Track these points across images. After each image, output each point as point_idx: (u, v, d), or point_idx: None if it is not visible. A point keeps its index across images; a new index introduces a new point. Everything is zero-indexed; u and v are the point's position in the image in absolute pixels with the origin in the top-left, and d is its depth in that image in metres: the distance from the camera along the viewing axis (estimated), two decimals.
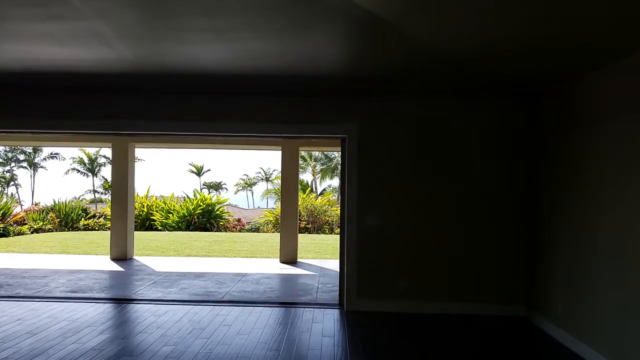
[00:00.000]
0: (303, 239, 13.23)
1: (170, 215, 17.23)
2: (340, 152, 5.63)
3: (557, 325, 4.48)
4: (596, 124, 3.92)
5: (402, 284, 5.34)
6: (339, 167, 5.70)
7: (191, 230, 16.38)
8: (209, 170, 55.15)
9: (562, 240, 4.45)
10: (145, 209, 17.80)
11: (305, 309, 5.49)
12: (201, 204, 17.37)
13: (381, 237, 5.36)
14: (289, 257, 8.90)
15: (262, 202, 42.86)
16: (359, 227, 5.37)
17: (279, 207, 9.58)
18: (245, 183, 51.60)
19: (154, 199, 19.21)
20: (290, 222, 8.90)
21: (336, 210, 17.16)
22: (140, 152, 40.81)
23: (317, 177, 33.88)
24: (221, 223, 17.62)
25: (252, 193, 52.07)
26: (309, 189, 24.15)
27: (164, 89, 5.05)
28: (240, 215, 22.32)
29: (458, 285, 5.34)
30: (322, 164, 32.24)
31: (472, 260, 5.34)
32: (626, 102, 3.53)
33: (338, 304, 5.64)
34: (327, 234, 16.43)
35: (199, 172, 48.48)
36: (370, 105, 5.35)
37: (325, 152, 32.00)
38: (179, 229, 16.68)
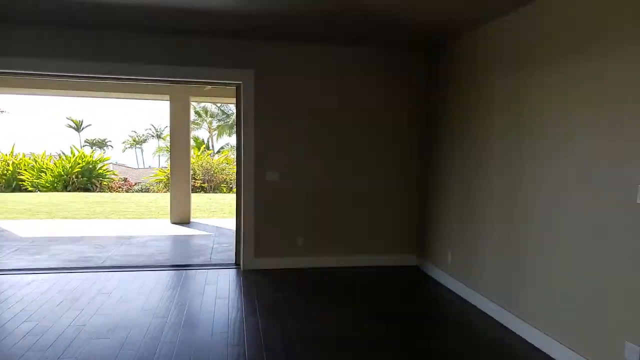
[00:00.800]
0: (198, 198, 12.68)
1: (43, 174, 15.48)
2: (235, 103, 5.24)
3: (447, 272, 4.70)
4: (480, 77, 4.01)
5: (300, 240, 5.25)
6: None
7: (69, 191, 14.90)
8: (89, 125, 50.67)
9: (452, 191, 4.61)
10: (10, 168, 15.78)
11: (199, 270, 5.19)
12: (80, 161, 15.83)
13: (279, 193, 5.17)
14: (182, 217, 8.41)
15: (154, 160, 40.56)
16: (257, 183, 5.11)
17: None
18: (134, 140, 48.24)
19: (21, 156, 17.09)
20: (182, 180, 8.36)
21: (234, 168, 16.67)
22: None
23: (213, 134, 32.60)
24: (105, 183, 16.28)
25: (142, 151, 48.99)
26: (204, 146, 23.17)
27: (15, 17, 4.20)
28: (129, 175, 20.84)
29: (355, 238, 5.38)
30: (219, 120, 31.01)
31: (369, 213, 5.39)
32: (501, 58, 3.62)
33: (234, 264, 5.41)
34: (224, 193, 15.95)
35: (78, 127, 44.21)
36: (269, 50, 4.99)
37: (222, 108, 30.76)
38: (55, 189, 15.08)
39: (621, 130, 2.63)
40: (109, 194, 14.83)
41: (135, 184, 18.20)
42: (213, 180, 16.47)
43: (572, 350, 2.97)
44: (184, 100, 8.08)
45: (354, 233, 5.37)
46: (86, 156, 16.39)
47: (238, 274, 5.07)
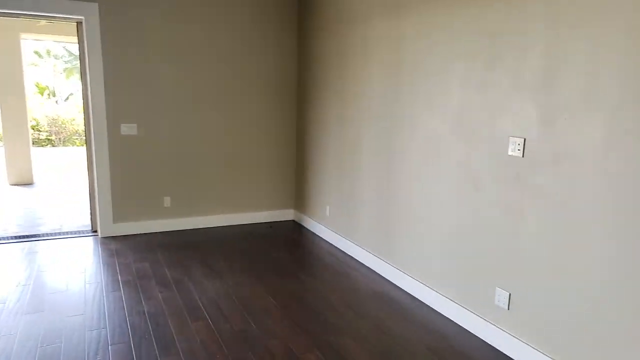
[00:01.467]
0: (44, 153, 11.13)
1: None
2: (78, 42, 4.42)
3: (326, 225, 4.69)
4: (359, 23, 3.87)
5: (167, 200, 4.80)
6: None
7: None
8: None
9: (330, 145, 4.52)
10: None
11: (47, 241, 4.49)
12: None
13: (139, 149, 4.61)
14: (21, 177, 7.25)
15: None
16: (110, 137, 4.48)
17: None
18: None
19: None
20: (19, 133, 7.13)
21: None
22: None
23: (59, 78, 28.66)
24: None
25: None
26: (48, 91, 20.34)
27: None
28: None
29: (230, 196, 5.10)
30: (66, 62, 27.28)
31: (245, 169, 5.12)
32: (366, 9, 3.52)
33: (91, 231, 4.79)
34: (78, 146, 14.25)
35: None
36: None
37: (69, 48, 27.01)
38: None
39: (494, 84, 2.68)
40: None
41: None
42: (62, 133, 14.59)
43: (448, 298, 3.12)
44: (12, 37, 6.74)
45: (228, 190, 5.07)
46: None
47: (95, 242, 4.50)
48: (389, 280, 3.72)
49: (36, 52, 22.66)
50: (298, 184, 5.32)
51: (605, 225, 2.12)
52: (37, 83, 20.42)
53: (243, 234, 4.88)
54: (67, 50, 27.71)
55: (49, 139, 14.25)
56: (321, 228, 4.79)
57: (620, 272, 2.06)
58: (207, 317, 3.07)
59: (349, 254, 4.28)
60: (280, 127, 5.21)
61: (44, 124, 14.22)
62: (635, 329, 2.02)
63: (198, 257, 4.17)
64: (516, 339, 2.59)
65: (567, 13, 2.24)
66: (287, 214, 5.43)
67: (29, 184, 7.26)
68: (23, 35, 6.85)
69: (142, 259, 4.09)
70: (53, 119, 14.57)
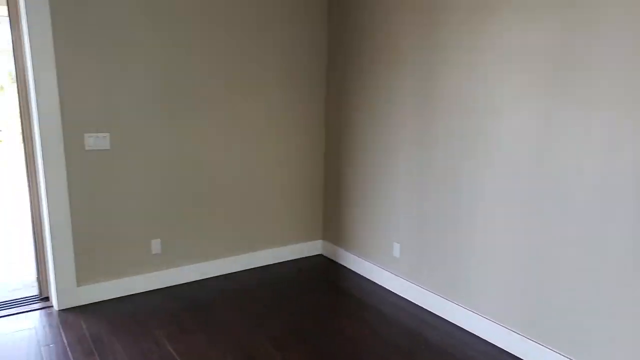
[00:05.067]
0: None
1: None
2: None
3: (394, 272, 3.36)
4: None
5: (156, 244, 3.33)
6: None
7: None
8: None
9: (400, 159, 3.21)
10: None
11: None
12: None
13: (113, 170, 3.11)
14: None
15: None
16: (69, 153, 2.95)
17: None
18: None
19: None
20: None
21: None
22: None
23: None
24: None
25: None
26: None
27: None
28: None
29: (241, 233, 3.70)
30: None
31: (260, 195, 3.74)
32: None
33: (38, 299, 3.24)
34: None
35: None
36: None
37: None
38: None
39: None
40: None
41: None
42: None
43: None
44: None
45: (240, 226, 3.68)
46: None
47: (50, 319, 2.96)
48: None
49: None
50: (330, 209, 3.97)
51: None
52: None
53: (262, 277, 3.56)
54: None
55: None
56: (383, 274, 3.45)
57: None
58: None
59: (457, 323, 2.93)
60: (307, 138, 3.89)
61: None
62: None
63: (205, 327, 2.73)
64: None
65: None
66: (319, 247, 4.10)
67: None
68: None
69: (122, 338, 2.63)
70: None
